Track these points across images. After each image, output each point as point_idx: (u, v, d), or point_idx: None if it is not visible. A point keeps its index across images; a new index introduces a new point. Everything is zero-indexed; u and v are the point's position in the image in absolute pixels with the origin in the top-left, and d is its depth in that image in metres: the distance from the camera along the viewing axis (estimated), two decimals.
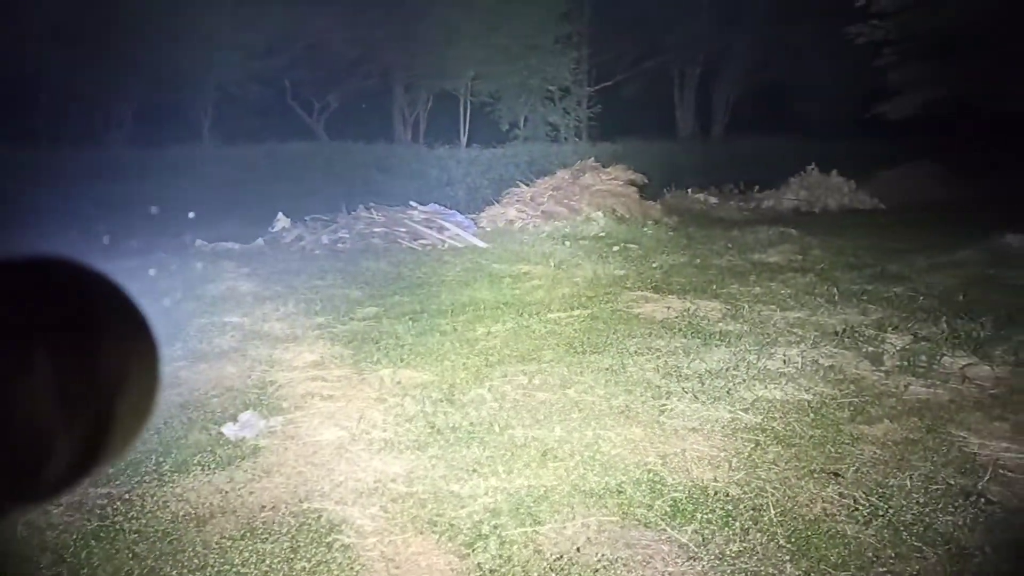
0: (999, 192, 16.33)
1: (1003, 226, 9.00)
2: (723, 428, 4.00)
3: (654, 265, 8.61)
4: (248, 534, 3.02)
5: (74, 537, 2.97)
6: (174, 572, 2.77)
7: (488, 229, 11.49)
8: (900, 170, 16.93)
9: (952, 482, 3.37)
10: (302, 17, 15.35)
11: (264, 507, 3.24)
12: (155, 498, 3.29)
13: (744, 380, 4.67)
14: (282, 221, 10.89)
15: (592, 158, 13.36)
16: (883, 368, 4.83)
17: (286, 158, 14.40)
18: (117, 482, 3.43)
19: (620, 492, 3.35)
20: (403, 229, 10.37)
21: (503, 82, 16.78)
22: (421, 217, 10.80)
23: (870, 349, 5.15)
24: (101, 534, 3.00)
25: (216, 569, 2.80)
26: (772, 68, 20.88)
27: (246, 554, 2.89)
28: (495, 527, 3.08)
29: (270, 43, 15.05)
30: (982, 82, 14.29)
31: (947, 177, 17.04)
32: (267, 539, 2.99)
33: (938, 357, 4.91)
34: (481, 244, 10.11)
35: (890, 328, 5.59)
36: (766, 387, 4.55)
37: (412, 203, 11.42)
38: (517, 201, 12.09)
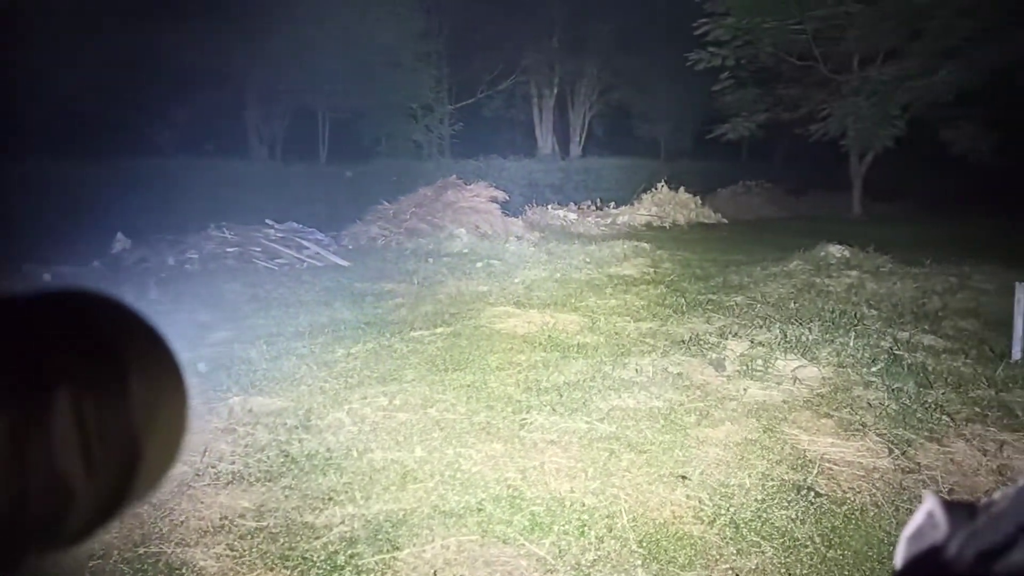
0: (818, 208, 18.02)
1: (826, 238, 9.90)
2: (580, 439, 4.10)
3: (516, 280, 8.75)
4: None
5: None
6: None
7: (350, 247, 11.26)
8: (737, 187, 18.32)
9: (786, 478, 3.63)
10: (150, 27, 14.45)
11: (93, 555, 2.96)
12: None
13: (600, 390, 4.82)
14: (121, 242, 10.13)
15: (454, 175, 13.44)
16: (725, 373, 5.15)
17: (131, 175, 13.43)
18: None
19: (480, 510, 3.34)
20: (258, 248, 9.95)
21: (364, 99, 16.56)
22: (278, 236, 10.40)
23: (714, 356, 5.48)
24: None
25: None
26: (621, 91, 22.02)
27: None
28: (351, 556, 2.99)
29: (114, 54, 14.03)
30: (797, 108, 15.83)
31: (776, 194, 18.63)
32: None
33: (773, 361, 5.30)
34: (342, 262, 9.88)
35: (731, 335, 5.97)
36: (620, 396, 4.72)
37: (268, 221, 10.99)
38: (380, 219, 11.94)
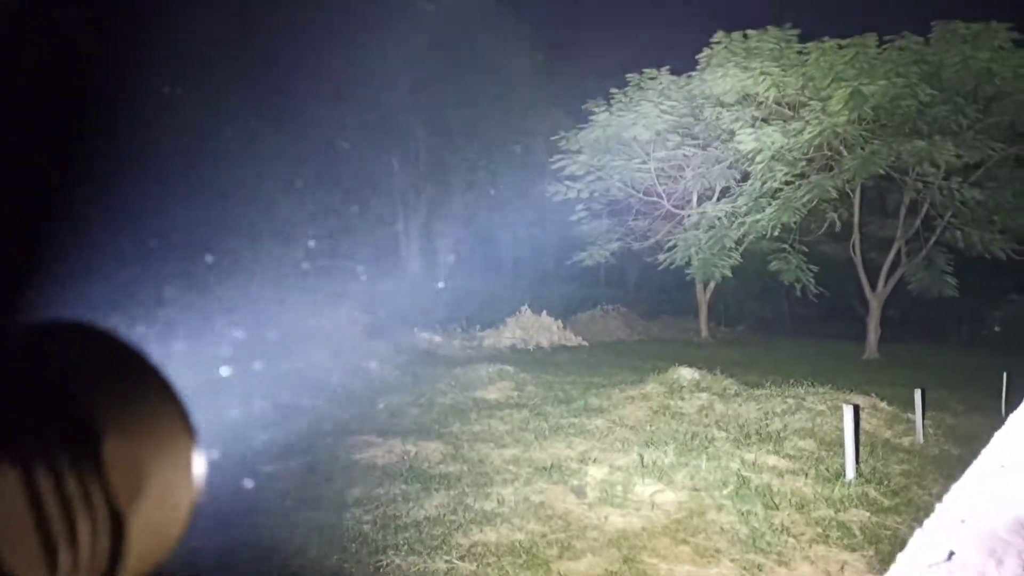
0: (669, 331, 19.15)
1: (678, 360, 10.44)
2: None
3: (380, 406, 8.51)
4: None
5: None
6: None
7: None
8: (596, 311, 19.19)
9: None
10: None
11: None
12: None
13: (461, 525, 4.66)
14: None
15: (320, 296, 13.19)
16: (586, 500, 5.15)
17: None
18: None
19: None
20: None
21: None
22: None
23: (575, 483, 5.49)
24: None
25: None
26: (484, 217, 22.99)
27: None
28: None
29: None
30: (646, 238, 17.14)
31: (631, 318, 19.68)
32: None
33: (632, 486, 5.38)
34: None
35: (591, 461, 6.04)
36: (482, 530, 4.58)
37: None
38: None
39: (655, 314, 20.73)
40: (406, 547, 4.30)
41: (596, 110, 15.93)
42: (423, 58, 20.74)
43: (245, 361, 10.18)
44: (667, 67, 16.03)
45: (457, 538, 4.45)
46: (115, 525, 0.42)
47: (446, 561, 4.13)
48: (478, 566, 4.08)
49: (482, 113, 21.49)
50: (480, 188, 22.64)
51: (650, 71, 16.02)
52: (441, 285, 21.39)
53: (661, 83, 15.92)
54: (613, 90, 16.13)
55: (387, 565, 4.07)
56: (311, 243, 18.29)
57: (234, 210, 13.15)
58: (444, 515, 4.83)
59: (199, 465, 0.48)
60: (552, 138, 16.19)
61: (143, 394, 0.46)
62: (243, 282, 14.74)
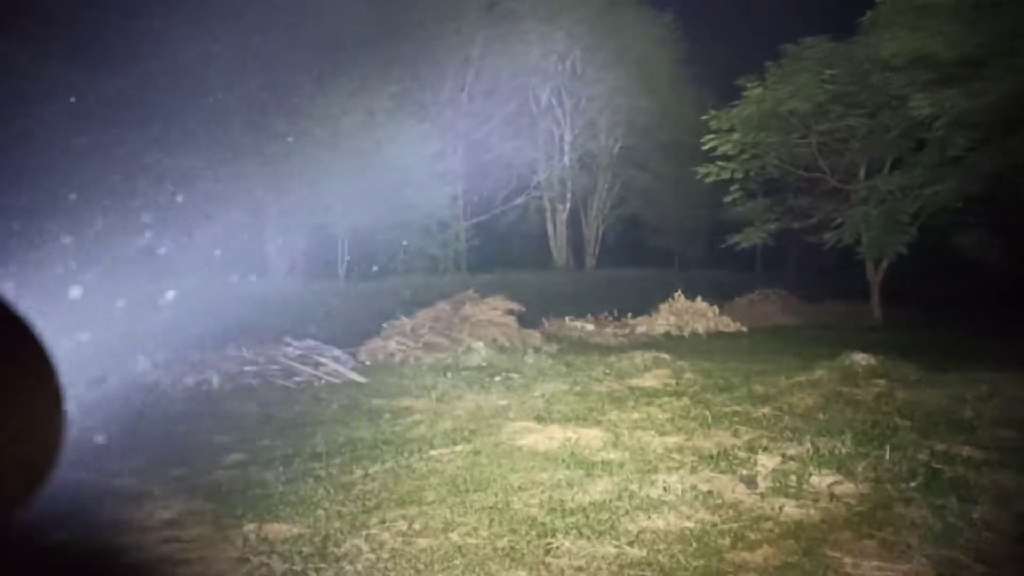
0: (835, 315, 17.92)
1: (851, 346, 9.77)
2: (609, 565, 3.89)
3: (536, 394, 8.62)
4: None
5: None
6: None
7: (368, 363, 11.24)
8: (754, 296, 18.35)
9: None
10: (169, 154, 15.22)
11: None
12: None
13: (628, 511, 4.62)
14: (141, 363, 10.17)
15: (471, 289, 13.58)
16: (758, 491, 4.94)
17: (154, 297, 13.70)
18: None
19: None
20: (276, 366, 9.94)
21: (381, 217, 17.03)
22: (296, 353, 10.42)
23: (744, 472, 5.28)
24: None
25: None
26: (631, 204, 22.69)
27: None
28: None
29: (134, 183, 14.69)
30: (807, 217, 16.18)
31: (792, 302, 18.62)
32: None
33: (807, 476, 5.09)
34: (359, 379, 9.83)
35: (761, 449, 5.78)
36: (649, 517, 4.51)
37: (286, 339, 11.05)
38: (397, 333, 11.97)
39: (818, 297, 19.52)
40: (574, 531, 4.32)
41: (749, 85, 15.20)
42: (567, 47, 20.77)
43: (412, 351, 10.65)
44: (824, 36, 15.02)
45: (625, 524, 4.42)
46: None
47: (615, 546, 4.11)
48: (648, 552, 4.02)
49: (627, 99, 21.20)
50: (625, 175, 22.36)
51: (807, 40, 15.07)
52: (585, 273, 21.38)
53: (820, 52, 14.93)
54: (767, 63, 15.33)
55: (557, 548, 4.11)
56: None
57: None
58: (609, 501, 4.81)
59: (61, 405, 0.51)
60: (702, 118, 15.62)
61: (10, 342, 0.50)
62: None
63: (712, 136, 15.82)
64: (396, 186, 16.75)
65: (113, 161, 13.99)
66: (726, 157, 15.85)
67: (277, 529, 4.55)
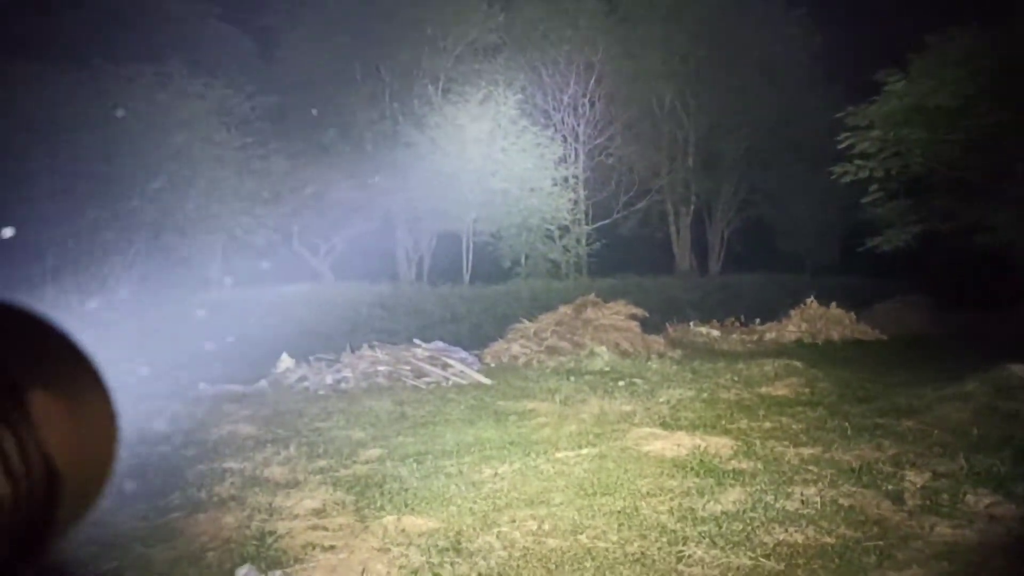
0: (985, 323, 16.50)
1: (1005, 357, 8.98)
2: None
3: (661, 400, 8.51)
4: None
5: None
6: None
7: (492, 365, 11.49)
8: (894, 302, 17.21)
9: None
10: (307, 168, 16.18)
11: None
12: None
13: (763, 523, 4.49)
14: (285, 362, 10.88)
15: (593, 293, 13.58)
16: (905, 507, 4.67)
17: (292, 299, 14.63)
18: None
19: None
20: (407, 367, 10.35)
21: (504, 222, 17.34)
22: (425, 355, 10.81)
23: (890, 487, 5.00)
24: None
25: None
26: (759, 206, 21.85)
27: None
28: None
29: (277, 192, 15.71)
30: (953, 218, 15.00)
31: (936, 309, 17.30)
32: None
33: (960, 495, 4.76)
34: (485, 381, 10.06)
35: (907, 464, 5.45)
36: (786, 530, 4.37)
37: (416, 341, 11.47)
38: (521, 337, 12.16)
39: (965, 305, 18.04)
40: (707, 540, 4.26)
41: (890, 80, 14.30)
42: (690, 47, 20.35)
43: (536, 354, 10.78)
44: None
45: (760, 535, 4.30)
46: (50, 475, 0.47)
47: (750, 557, 4.01)
48: (786, 566, 3.90)
49: (754, 98, 20.49)
50: (751, 175, 21.62)
51: (952, 29, 13.99)
52: (710, 279, 20.80)
53: (967, 41, 13.82)
54: (909, 55, 14.36)
55: (689, 556, 4.07)
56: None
57: None
58: (743, 511, 4.69)
59: (115, 420, 0.53)
60: (836, 116, 14.84)
61: (61, 358, 0.52)
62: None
63: (849, 134, 14.98)
64: (520, 192, 17.02)
65: (259, 176, 15.04)
66: (864, 155, 14.95)
67: (414, 522, 4.76)
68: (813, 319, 14.94)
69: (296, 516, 4.97)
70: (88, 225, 13.20)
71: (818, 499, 4.83)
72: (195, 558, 4.24)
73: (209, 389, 9.70)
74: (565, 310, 12.85)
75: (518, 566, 4.06)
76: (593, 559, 4.11)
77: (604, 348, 11.34)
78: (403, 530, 4.62)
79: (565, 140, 19.16)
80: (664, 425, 7.22)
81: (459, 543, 4.40)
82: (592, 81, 19.34)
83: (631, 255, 19.82)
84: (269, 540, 4.53)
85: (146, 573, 4.03)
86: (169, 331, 12.30)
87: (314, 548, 4.39)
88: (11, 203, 12.41)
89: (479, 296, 16.32)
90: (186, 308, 13.42)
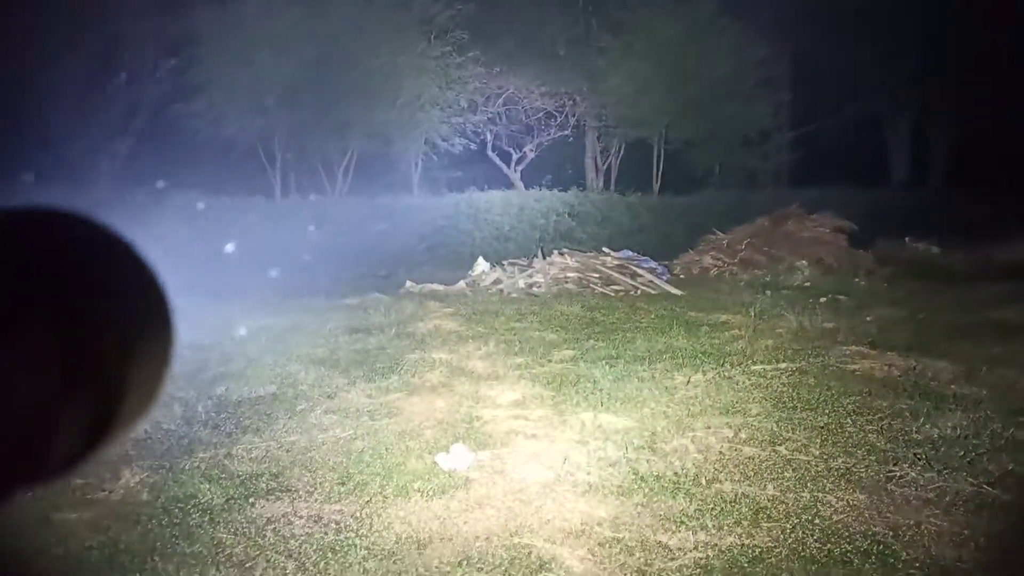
0: None
1: None
2: (965, 502, 3.58)
3: (868, 319, 7.98)
4: (464, 562, 3.15)
5: (314, 548, 3.26)
6: None
7: (682, 277, 11.32)
8: None
9: None
10: (501, 75, 16.31)
11: (478, 537, 3.36)
12: (381, 518, 3.54)
13: (988, 451, 4.16)
14: (481, 265, 11.43)
15: (795, 204, 12.77)
16: None
17: (486, 206, 15.17)
18: (348, 500, 3.73)
19: (846, 562, 3.10)
20: (596, 275, 10.48)
21: (698, 128, 16.58)
22: (614, 263, 10.85)
23: None
24: (336, 547, 3.27)
25: None
26: (988, 116, 18.98)
27: None
28: None
29: (472, 101, 16.09)
30: None
31: None
32: (482, 569, 3.10)
33: None
34: (675, 291, 9.96)
35: None
36: (1017, 461, 4.02)
37: (604, 249, 11.53)
38: (713, 248, 11.81)
39: None
40: (922, 462, 4.03)
41: None
42: None
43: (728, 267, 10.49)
44: None
45: (984, 463, 4.00)
46: (107, 384, 0.46)
47: (971, 483, 3.76)
48: (1014, 496, 3.62)
49: None
50: (977, 86, 18.77)
51: None
52: (930, 191, 18.70)
53: None
54: None
55: (900, 477, 3.89)
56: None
57: None
58: (965, 437, 4.36)
59: (174, 331, 0.50)
60: None
61: (120, 267, 0.50)
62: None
63: None
64: (717, 96, 16.11)
65: (457, 85, 15.46)
66: None
67: (609, 420, 4.94)
68: None
69: (499, 405, 5.34)
70: (309, 133, 14.41)
71: None
72: (415, 433, 4.72)
73: (415, 287, 10.47)
74: (762, 222, 12.24)
75: (714, 469, 4.11)
76: (794, 470, 4.05)
77: (804, 262, 10.74)
78: (599, 426, 4.82)
79: (770, 39, 17.67)
80: (872, 344, 6.78)
81: (654, 443, 4.52)
82: None
83: (838, 164, 18.21)
84: (476, 424, 4.92)
85: (376, 441, 4.55)
86: (377, 231, 13.34)
87: (517, 435, 4.72)
88: (250, 112, 13.82)
89: (669, 206, 15.96)
90: (393, 211, 14.41)
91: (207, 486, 3.91)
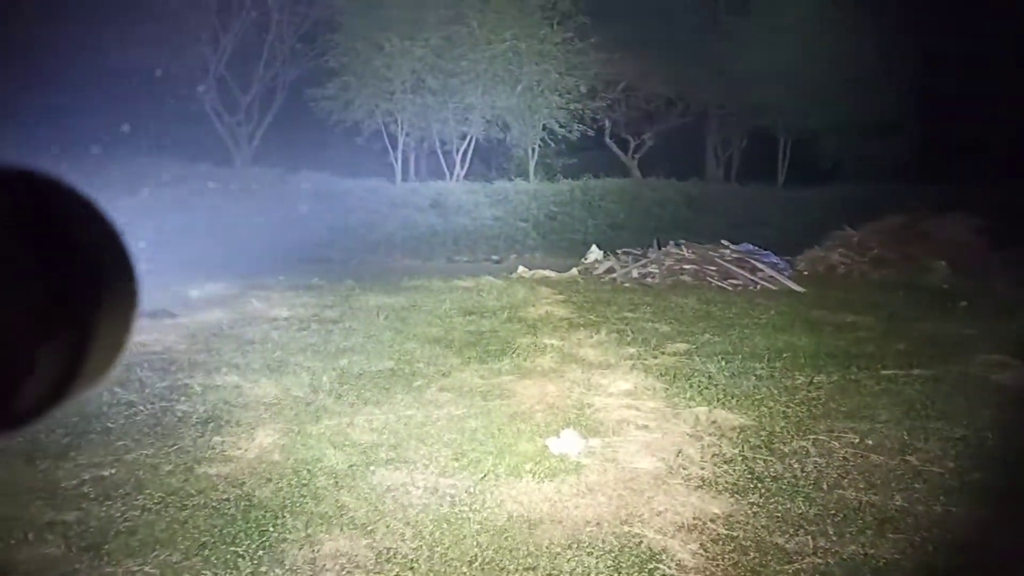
0: None
1: None
2: None
3: (1014, 327, 7.38)
4: (575, 545, 3.18)
5: (430, 517, 3.38)
6: (511, 566, 3.02)
7: (806, 273, 10.84)
8: None
9: None
10: (621, 61, 16.07)
11: (588, 523, 3.39)
12: (493, 496, 3.62)
13: None
14: (595, 253, 11.38)
15: (932, 202, 11.92)
16: None
17: (600, 193, 15.07)
18: (462, 475, 3.85)
19: None
20: (713, 267, 10.21)
21: (824, 118, 15.75)
22: (732, 256, 10.54)
23: None
24: (451, 519, 3.38)
25: (546, 572, 2.99)
26: None
27: (573, 563, 3.04)
28: None
29: (592, 87, 15.96)
30: None
31: None
32: (592, 553, 3.12)
33: None
34: (797, 288, 9.56)
35: None
36: None
37: (723, 242, 11.20)
38: (841, 245, 11.23)
39: None
40: None
41: None
42: None
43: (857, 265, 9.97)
44: None
45: None
46: (78, 333, 0.48)
47: None
48: None
49: None
50: None
51: None
52: None
53: None
54: None
55: None
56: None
57: None
58: None
59: (137, 287, 0.52)
60: None
61: (90, 227, 0.52)
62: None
63: None
64: (843, 83, 15.21)
65: (577, 70, 15.38)
66: None
67: (725, 416, 4.82)
68: None
69: (610, 394, 5.32)
70: (432, 117, 14.80)
71: None
72: (527, 416, 4.79)
73: (527, 272, 10.57)
74: (895, 218, 11.51)
75: (837, 475, 3.94)
76: (925, 481, 3.83)
77: (942, 263, 10.04)
78: (714, 422, 4.72)
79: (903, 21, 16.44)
80: (1018, 355, 6.27)
81: (772, 443, 4.38)
82: None
83: (978, 157, 16.80)
84: (588, 411, 4.93)
85: (488, 421, 4.66)
86: (491, 216, 13.54)
87: (628, 424, 4.69)
88: (378, 96, 14.36)
89: (793, 199, 15.30)
90: (507, 197, 14.57)
91: (332, 451, 4.13)
